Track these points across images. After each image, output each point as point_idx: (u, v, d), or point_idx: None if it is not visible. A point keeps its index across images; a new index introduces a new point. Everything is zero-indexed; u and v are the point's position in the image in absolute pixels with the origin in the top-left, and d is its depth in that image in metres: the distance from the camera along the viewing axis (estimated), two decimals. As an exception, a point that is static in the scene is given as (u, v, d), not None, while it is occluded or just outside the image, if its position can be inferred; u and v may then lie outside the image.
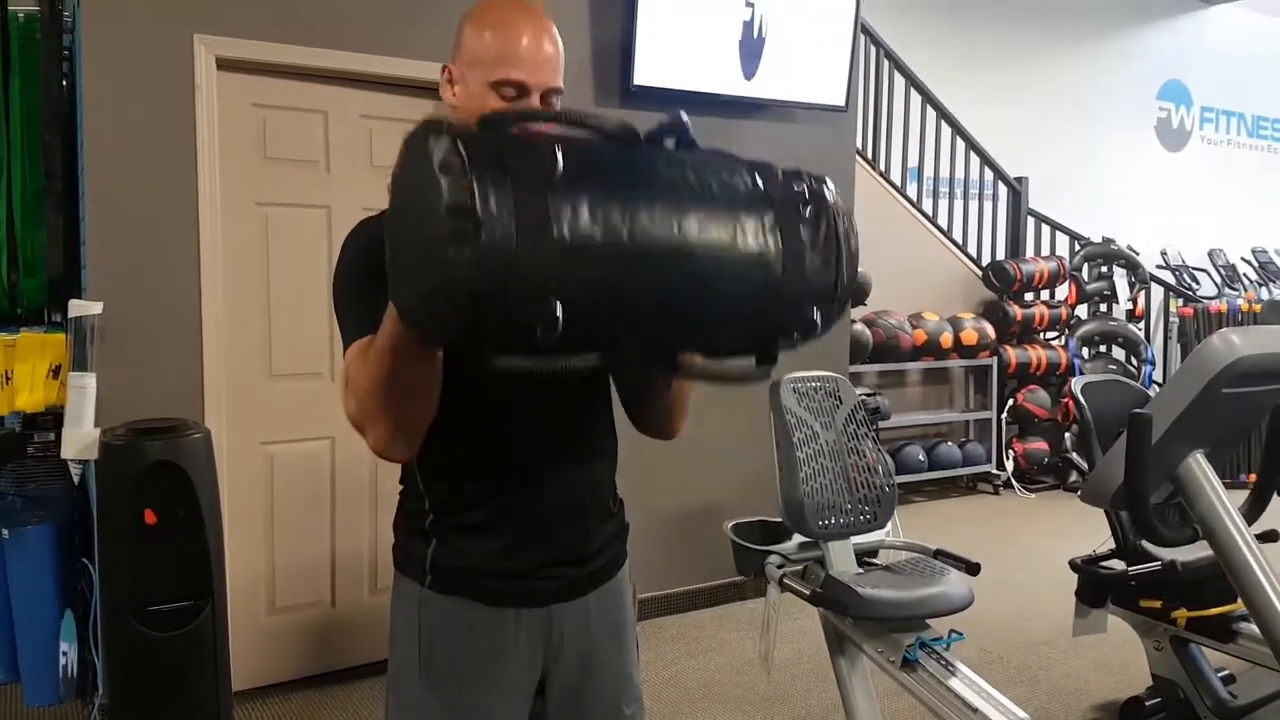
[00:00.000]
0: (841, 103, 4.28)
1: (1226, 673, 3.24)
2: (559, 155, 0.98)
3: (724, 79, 4.01)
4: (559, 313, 0.94)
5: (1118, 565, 3.15)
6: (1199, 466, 1.93)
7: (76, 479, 3.17)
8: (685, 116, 1.12)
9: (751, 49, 4.03)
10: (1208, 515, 1.91)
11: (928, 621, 2.52)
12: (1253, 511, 2.01)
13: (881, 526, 2.78)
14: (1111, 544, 3.25)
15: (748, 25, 4.01)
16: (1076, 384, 3.32)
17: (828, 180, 1.16)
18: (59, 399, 3.30)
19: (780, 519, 2.76)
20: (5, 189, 3.42)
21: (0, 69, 3.44)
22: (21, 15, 3.49)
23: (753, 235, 1.06)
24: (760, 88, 4.07)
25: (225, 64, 3.14)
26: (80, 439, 2.92)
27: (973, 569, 2.65)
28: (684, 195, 1.04)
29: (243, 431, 3.28)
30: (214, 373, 3.19)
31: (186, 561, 2.84)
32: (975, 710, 2.29)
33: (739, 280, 1.06)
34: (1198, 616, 2.97)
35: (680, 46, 3.88)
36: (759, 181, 1.10)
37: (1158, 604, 3.06)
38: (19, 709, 3.29)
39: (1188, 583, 2.97)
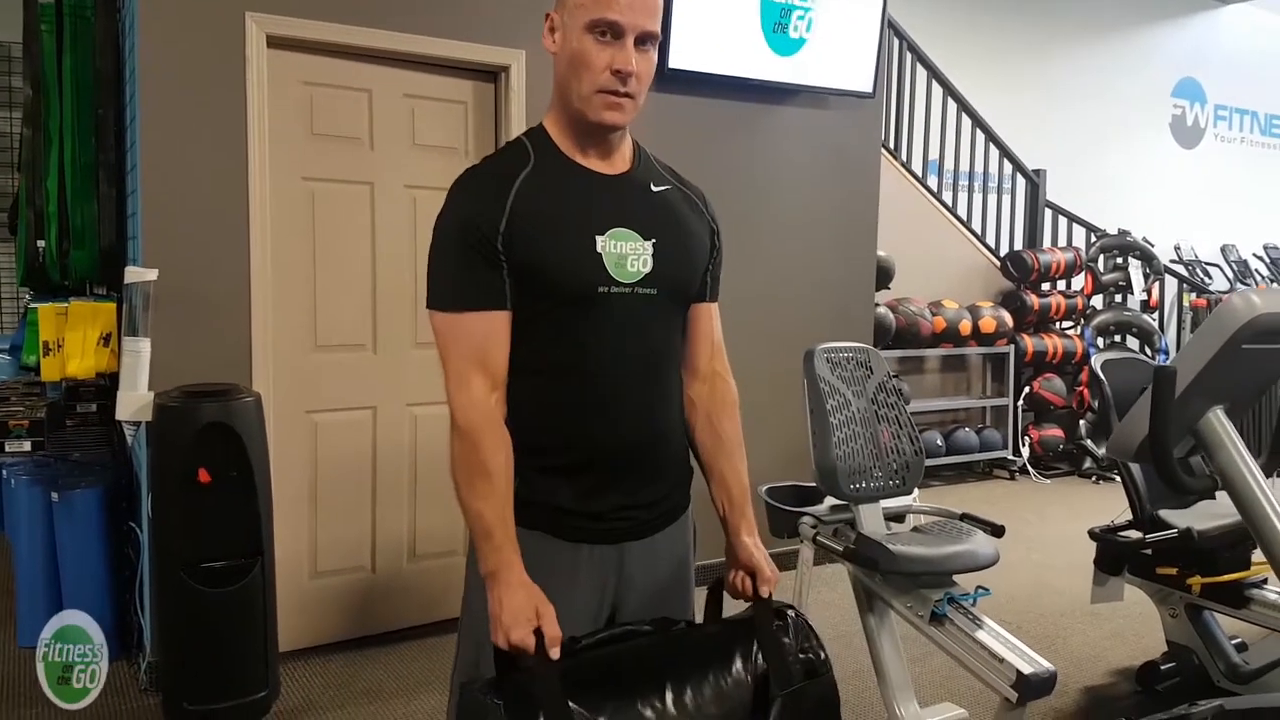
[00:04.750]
0: (869, 89, 4.38)
1: (1239, 640, 3.34)
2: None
3: (755, 64, 4.12)
4: None
5: (1135, 535, 3.24)
6: (1219, 421, 2.03)
7: (130, 440, 3.28)
8: None
9: (782, 35, 4.13)
10: (1227, 467, 2.01)
11: (955, 579, 2.62)
12: (1271, 463, 2.10)
13: (909, 492, 2.88)
14: (1129, 515, 3.35)
15: (780, 11, 4.11)
16: (1096, 360, 3.43)
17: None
18: (109, 366, 3.41)
19: (812, 484, 2.86)
20: (58, 162, 3.54)
21: (54, 46, 3.56)
22: (75, -6, 3.62)
23: None
24: (789, 73, 4.18)
25: (275, 41, 3.25)
26: (135, 401, 3.03)
27: (998, 531, 2.75)
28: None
29: (289, 399, 3.39)
30: (261, 341, 3.29)
31: (238, 520, 2.93)
32: (1002, 660, 2.39)
33: None
34: (1212, 583, 3.06)
35: (713, 31, 3.97)
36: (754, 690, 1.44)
37: (1173, 571, 3.16)
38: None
39: (1203, 550, 3.06)
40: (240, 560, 2.93)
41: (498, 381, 1.49)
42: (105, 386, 3.65)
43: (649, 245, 1.53)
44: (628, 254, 1.51)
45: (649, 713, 1.33)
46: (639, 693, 1.35)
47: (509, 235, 1.45)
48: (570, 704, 1.29)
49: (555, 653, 1.36)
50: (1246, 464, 1.98)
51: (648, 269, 1.53)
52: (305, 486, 3.49)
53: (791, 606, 1.59)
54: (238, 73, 3.20)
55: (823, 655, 1.51)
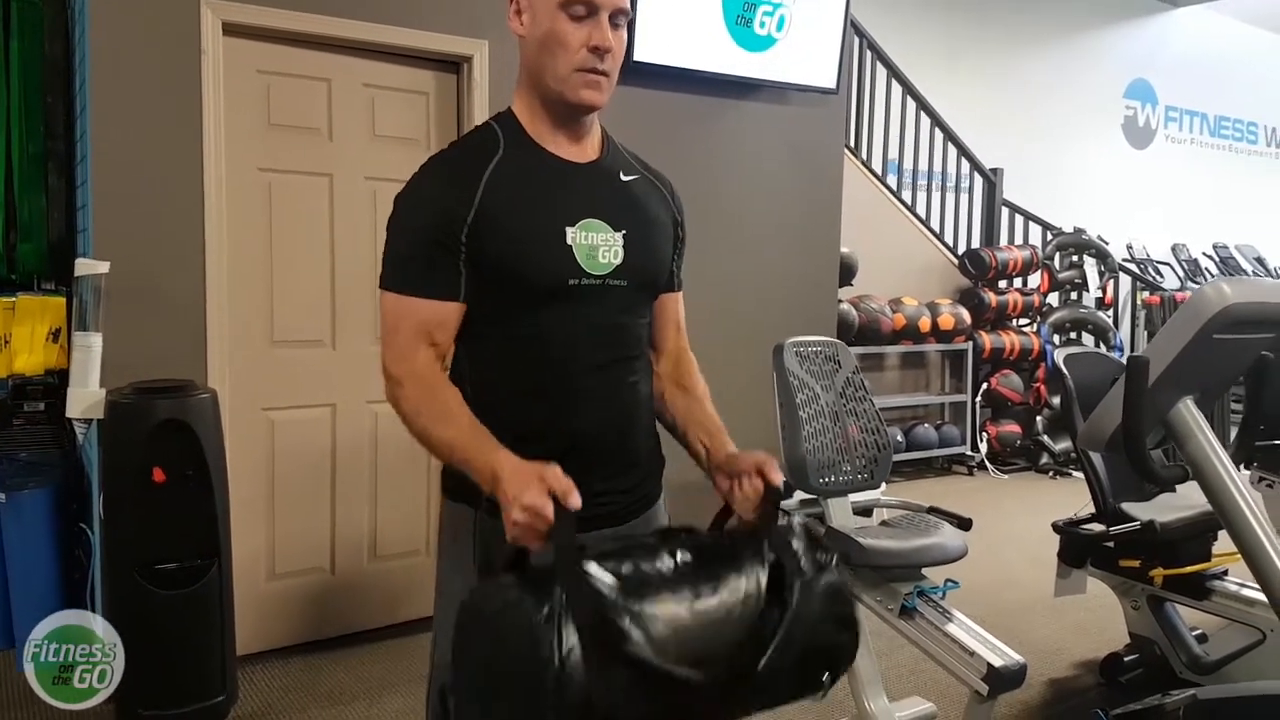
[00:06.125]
0: (832, 85, 4.38)
1: (1199, 631, 3.38)
2: (620, 596, 1.20)
3: (718, 58, 4.10)
4: None
5: (1098, 528, 3.27)
6: (1189, 411, 2.04)
7: (81, 438, 3.18)
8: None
9: (745, 29, 4.12)
10: (1197, 456, 2.02)
11: (924, 572, 2.62)
12: (1238, 453, 2.11)
13: (877, 486, 2.88)
14: (1091, 508, 3.39)
15: (744, 4, 4.09)
16: (1059, 354, 3.46)
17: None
18: (58, 362, 3.33)
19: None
20: (4, 152, 3.44)
21: (0, 33, 3.45)
22: (21, -22, 3.51)
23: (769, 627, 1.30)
24: (754, 68, 4.17)
25: (231, 29, 3.17)
26: (86, 398, 2.94)
27: (965, 524, 2.76)
28: (720, 608, 1.27)
29: (244, 396, 3.31)
30: (216, 337, 3.21)
31: (193, 521, 2.86)
32: (972, 653, 2.39)
33: (768, 668, 1.27)
34: (1174, 575, 3.10)
35: (677, 25, 3.95)
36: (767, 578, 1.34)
37: (1136, 563, 3.19)
38: (13, 675, 3.29)
39: (1165, 543, 3.09)
40: (196, 561, 2.86)
41: (441, 354, 1.51)
42: (54, 384, 3.55)
43: (619, 237, 1.51)
44: (598, 245, 1.49)
45: (661, 565, 1.27)
46: (651, 560, 1.28)
47: (476, 228, 1.43)
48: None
49: (575, 499, 1.26)
50: (1217, 454, 1.99)
51: (619, 260, 1.51)
52: (262, 486, 3.40)
53: (789, 512, 1.54)
54: (192, 60, 3.11)
55: (830, 555, 1.43)
